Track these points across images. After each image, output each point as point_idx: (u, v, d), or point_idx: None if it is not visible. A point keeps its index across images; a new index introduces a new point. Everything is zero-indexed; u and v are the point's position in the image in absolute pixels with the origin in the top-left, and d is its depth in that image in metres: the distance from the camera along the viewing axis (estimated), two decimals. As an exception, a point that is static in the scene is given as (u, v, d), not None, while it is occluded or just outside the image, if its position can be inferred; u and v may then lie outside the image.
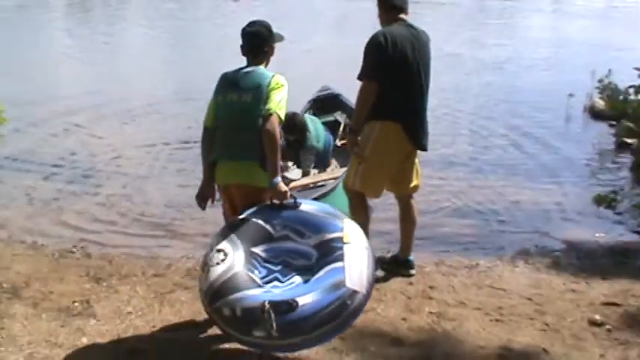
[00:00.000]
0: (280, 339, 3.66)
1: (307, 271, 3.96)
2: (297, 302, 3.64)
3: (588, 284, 5.48)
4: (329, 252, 3.92)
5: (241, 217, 4.19)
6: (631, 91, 9.30)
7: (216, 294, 3.80)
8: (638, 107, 8.80)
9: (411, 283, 5.37)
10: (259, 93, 4.24)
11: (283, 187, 4.20)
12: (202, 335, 4.50)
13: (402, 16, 5.19)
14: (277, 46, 4.57)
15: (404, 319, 4.75)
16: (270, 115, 4.16)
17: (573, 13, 33.15)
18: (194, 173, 8.15)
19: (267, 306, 3.60)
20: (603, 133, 10.50)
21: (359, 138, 5.07)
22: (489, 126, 10.83)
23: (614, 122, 10.56)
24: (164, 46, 19.67)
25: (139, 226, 6.79)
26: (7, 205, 7.27)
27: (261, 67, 4.41)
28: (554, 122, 11.15)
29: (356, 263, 3.88)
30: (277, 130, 4.17)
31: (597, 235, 6.66)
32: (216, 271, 3.86)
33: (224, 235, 4.10)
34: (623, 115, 9.98)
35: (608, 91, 11.13)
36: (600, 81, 11.37)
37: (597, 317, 4.79)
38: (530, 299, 5.14)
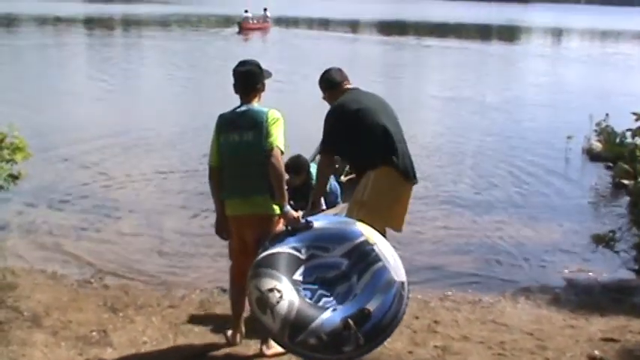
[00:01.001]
0: (368, 346, 3.99)
1: (343, 279, 4.23)
2: (369, 310, 3.97)
3: (587, 320, 5.60)
4: (362, 257, 4.21)
5: (266, 253, 4.25)
6: (628, 134, 9.53)
7: (294, 330, 3.94)
8: (634, 150, 9.00)
9: (416, 317, 5.50)
10: (259, 130, 4.45)
11: (294, 213, 4.38)
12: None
13: (347, 85, 5.45)
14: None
15: (410, 352, 4.85)
16: (272, 149, 4.39)
17: (571, 59, 33.66)
18: (205, 204, 8.40)
19: (350, 322, 3.89)
20: (601, 174, 10.74)
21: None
22: (491, 166, 11.13)
23: (610, 164, 10.79)
24: (176, 84, 20.04)
25: (155, 258, 6.92)
26: (27, 235, 7.42)
27: (255, 105, 4.61)
28: (554, 163, 11.43)
29: (391, 257, 4.23)
30: (281, 162, 4.42)
31: (596, 272, 6.80)
32: (282, 309, 3.97)
33: (263, 274, 4.13)
34: (619, 157, 10.21)
35: (605, 134, 11.44)
36: (598, 124, 11.69)
37: (596, 352, 4.90)
38: (531, 334, 5.25)
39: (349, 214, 5.31)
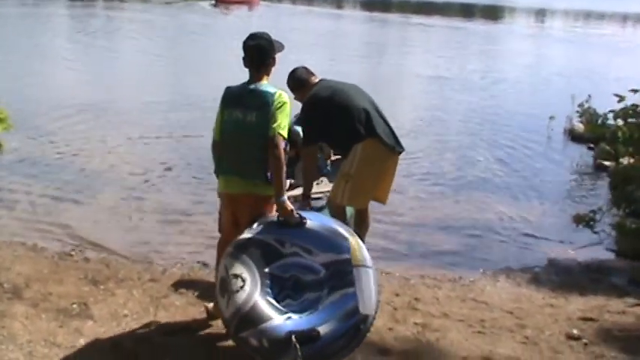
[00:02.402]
0: None
1: (317, 286, 4.10)
2: (318, 332, 3.88)
3: (566, 299, 5.67)
4: (339, 275, 4.06)
5: (249, 236, 4.22)
6: (610, 116, 9.59)
7: (242, 324, 3.96)
8: (615, 131, 9.07)
9: (397, 295, 5.53)
10: (264, 112, 4.32)
11: (289, 206, 4.27)
12: (196, 339, 4.62)
13: (315, 80, 5.57)
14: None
15: (390, 329, 4.88)
16: (275, 136, 4.28)
17: (554, 39, 33.72)
18: (190, 182, 8.42)
19: (294, 340, 3.82)
20: (582, 155, 10.81)
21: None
22: (474, 145, 11.16)
23: (592, 145, 10.89)
24: (152, 57, 19.85)
25: (136, 232, 6.89)
26: (8, 207, 7.35)
27: (265, 83, 4.46)
28: (536, 143, 11.49)
29: (366, 287, 4.04)
30: (282, 151, 4.30)
31: (576, 252, 6.87)
32: (238, 299, 3.98)
33: (236, 257, 4.14)
34: (601, 139, 10.33)
35: (588, 115, 11.52)
36: (580, 105, 11.75)
37: (574, 331, 4.96)
38: (511, 313, 5.30)
39: (336, 188, 5.40)
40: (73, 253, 6.18)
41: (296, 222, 4.23)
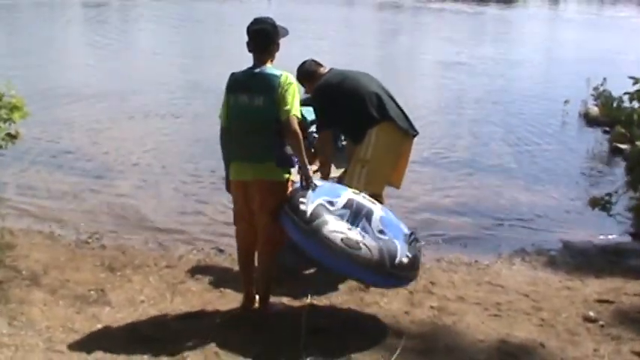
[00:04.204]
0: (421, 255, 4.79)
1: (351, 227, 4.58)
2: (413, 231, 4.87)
3: (583, 282, 5.66)
4: (360, 204, 4.77)
5: (313, 205, 4.42)
6: (625, 98, 9.50)
7: (392, 254, 4.39)
8: (631, 114, 8.98)
9: (412, 279, 5.55)
10: (271, 96, 4.32)
11: (311, 173, 4.58)
12: (213, 324, 4.64)
13: (323, 70, 5.62)
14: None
15: (406, 313, 4.89)
16: (289, 117, 4.29)
17: (569, 22, 33.43)
18: (201, 164, 8.45)
19: (410, 236, 4.69)
20: (598, 139, 10.74)
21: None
22: (489, 129, 11.11)
23: (607, 128, 10.80)
24: (181, 45, 19.86)
25: (152, 219, 6.90)
26: (25, 196, 7.40)
27: (269, 67, 4.46)
28: (551, 127, 11.43)
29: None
30: (298, 130, 4.33)
31: (592, 235, 6.84)
32: (371, 241, 4.43)
33: (329, 220, 4.40)
34: (616, 122, 10.21)
35: (603, 98, 11.41)
36: (595, 89, 11.66)
37: (591, 314, 4.96)
38: (527, 295, 5.30)
39: (351, 174, 5.40)
40: (89, 240, 6.22)
41: (314, 187, 4.56)
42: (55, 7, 28.52)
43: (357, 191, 4.94)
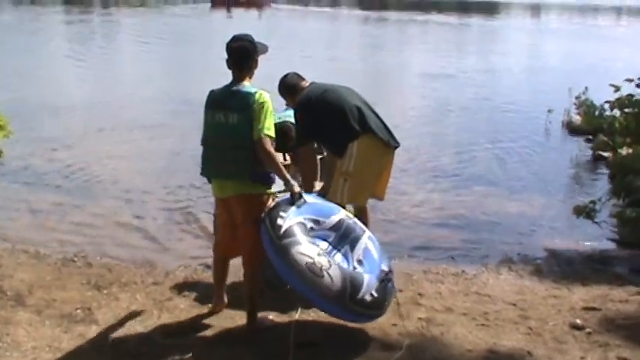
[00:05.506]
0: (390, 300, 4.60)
1: (333, 251, 4.61)
2: (389, 269, 4.63)
3: (569, 290, 5.67)
4: (350, 228, 4.76)
5: (288, 224, 4.37)
6: (606, 106, 9.60)
7: (355, 287, 4.26)
8: (612, 122, 9.08)
9: (400, 290, 5.50)
10: (246, 114, 4.38)
11: (297, 188, 4.57)
12: (200, 340, 4.62)
13: (305, 84, 5.62)
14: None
15: (394, 325, 4.87)
16: (261, 138, 4.35)
17: (551, 31, 33.73)
18: (186, 181, 8.39)
19: (387, 276, 4.53)
20: (580, 147, 10.84)
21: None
22: (473, 140, 11.20)
23: (590, 137, 10.91)
24: (154, 62, 19.87)
25: (138, 236, 6.89)
26: (9, 215, 7.36)
27: (246, 85, 4.52)
28: (535, 136, 11.54)
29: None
30: (271, 150, 4.37)
31: (577, 243, 6.87)
32: (336, 270, 4.27)
33: (300, 242, 4.32)
34: (598, 130, 10.35)
35: (585, 107, 11.54)
36: (577, 97, 11.79)
37: (578, 321, 4.97)
38: (514, 305, 5.31)
39: (334, 187, 5.40)
40: (75, 258, 6.18)
41: (302, 201, 4.55)
42: (33, 22, 28.50)
43: (351, 215, 4.94)
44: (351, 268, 4.51)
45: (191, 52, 21.07)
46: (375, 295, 4.34)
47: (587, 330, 4.85)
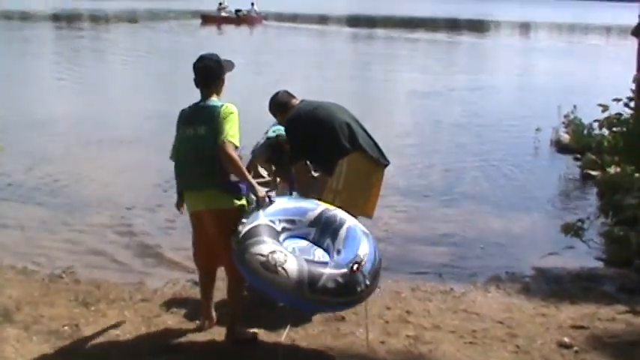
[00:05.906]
0: (372, 286, 4.51)
1: (315, 246, 4.66)
2: (361, 258, 4.44)
3: (557, 308, 5.68)
4: (330, 220, 4.76)
5: (249, 227, 4.43)
6: (595, 125, 9.67)
7: (313, 278, 4.22)
8: (601, 141, 9.14)
9: (388, 308, 5.55)
10: (212, 125, 4.52)
11: (263, 192, 4.62)
12: (188, 358, 4.63)
13: (295, 102, 5.66)
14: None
15: (382, 342, 4.90)
16: (223, 144, 4.45)
17: (540, 51, 34.00)
18: (173, 197, 8.35)
19: (355, 267, 4.33)
20: (569, 166, 10.86)
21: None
22: (462, 157, 11.26)
23: (578, 155, 10.96)
24: (141, 78, 19.91)
25: (126, 253, 6.88)
26: (-3, 230, 7.34)
27: (213, 100, 4.69)
28: (523, 155, 11.58)
29: (352, 220, 4.84)
30: (233, 155, 4.45)
31: (565, 261, 6.87)
32: (292, 264, 4.23)
33: (256, 242, 4.34)
34: (587, 149, 10.42)
35: (573, 125, 11.63)
36: (566, 116, 11.87)
37: (566, 339, 4.98)
38: (502, 323, 5.33)
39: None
40: (63, 275, 6.17)
41: (267, 204, 4.61)
42: (23, 41, 28.50)
43: (332, 207, 4.95)
44: (332, 260, 4.50)
45: (178, 67, 21.07)
46: (340, 281, 4.27)
47: (575, 348, 4.87)
